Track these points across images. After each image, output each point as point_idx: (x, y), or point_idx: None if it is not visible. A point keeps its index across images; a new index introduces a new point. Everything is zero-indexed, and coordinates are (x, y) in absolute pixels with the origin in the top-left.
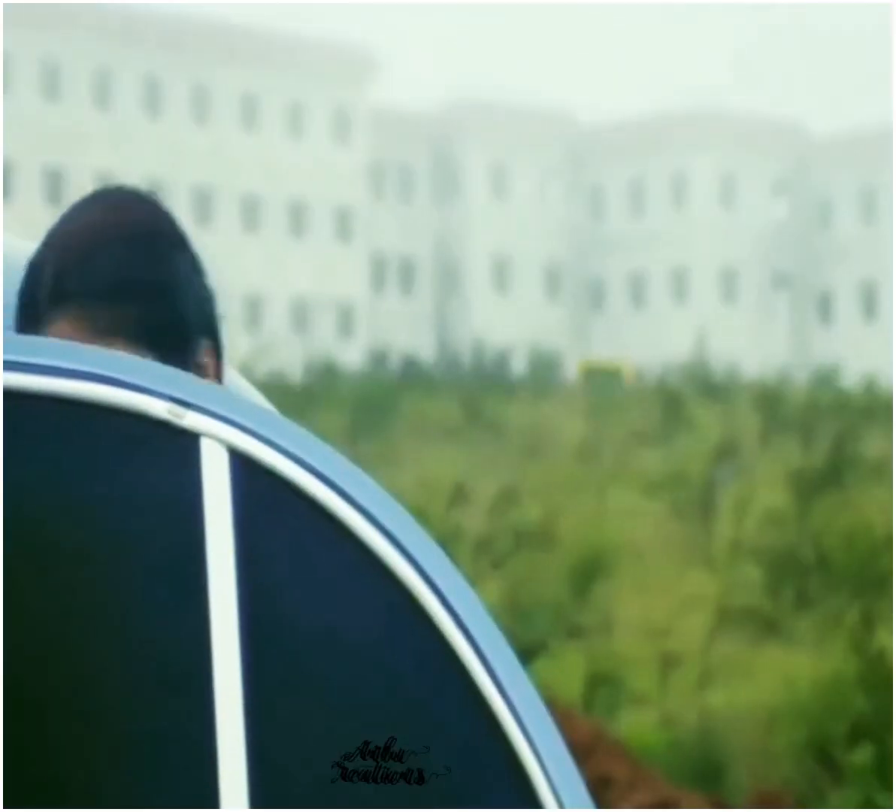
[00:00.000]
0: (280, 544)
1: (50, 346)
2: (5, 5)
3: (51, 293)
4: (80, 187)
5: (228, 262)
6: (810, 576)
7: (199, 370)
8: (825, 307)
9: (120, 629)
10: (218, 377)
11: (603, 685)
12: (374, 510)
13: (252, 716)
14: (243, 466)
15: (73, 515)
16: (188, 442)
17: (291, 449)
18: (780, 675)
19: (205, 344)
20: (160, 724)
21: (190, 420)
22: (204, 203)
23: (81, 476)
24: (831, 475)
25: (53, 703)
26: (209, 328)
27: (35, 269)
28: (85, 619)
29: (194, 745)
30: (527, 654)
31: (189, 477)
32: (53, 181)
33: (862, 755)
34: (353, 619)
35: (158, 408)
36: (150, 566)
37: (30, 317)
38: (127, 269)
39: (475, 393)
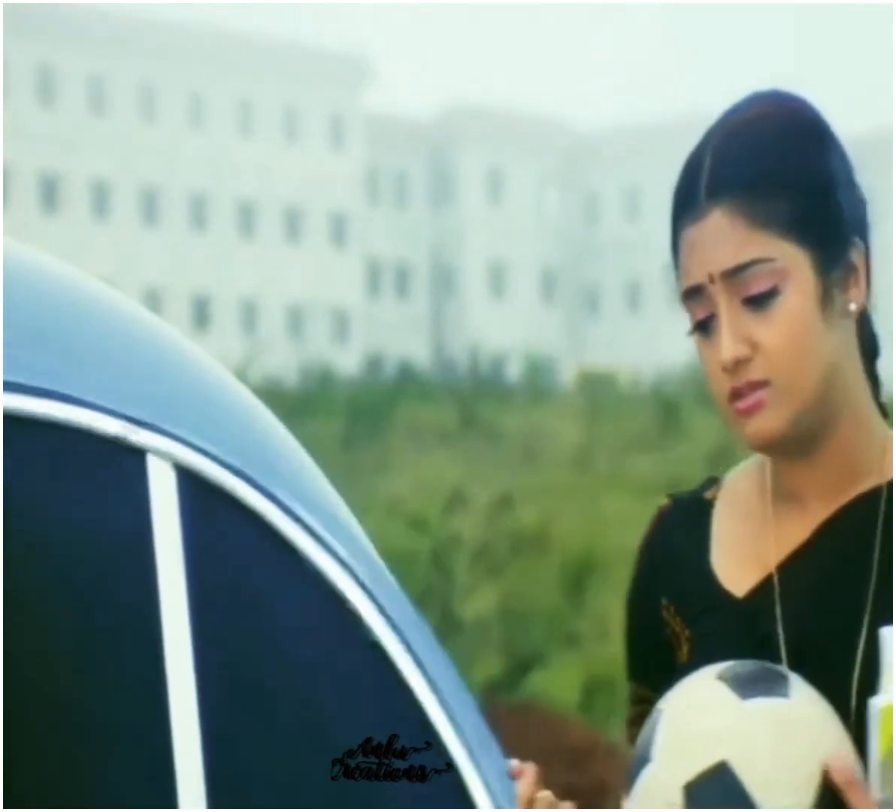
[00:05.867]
0: (223, 556)
1: (8, 364)
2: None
3: (708, 184)
4: (76, 194)
5: (224, 268)
6: None
7: (848, 272)
8: None
9: (72, 642)
10: (866, 283)
11: (600, 691)
12: (311, 521)
13: (207, 728)
14: (189, 482)
15: (23, 532)
16: (137, 460)
17: (237, 464)
18: None
19: (859, 245)
20: (119, 735)
21: (140, 438)
22: (199, 208)
23: (31, 494)
24: None
25: (14, 714)
26: (862, 230)
27: (694, 161)
28: (36, 634)
29: (153, 754)
30: (524, 662)
31: (137, 494)
32: (49, 187)
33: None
34: (297, 631)
35: (111, 426)
36: (101, 586)
37: (689, 211)
38: (784, 161)
39: (471, 398)
